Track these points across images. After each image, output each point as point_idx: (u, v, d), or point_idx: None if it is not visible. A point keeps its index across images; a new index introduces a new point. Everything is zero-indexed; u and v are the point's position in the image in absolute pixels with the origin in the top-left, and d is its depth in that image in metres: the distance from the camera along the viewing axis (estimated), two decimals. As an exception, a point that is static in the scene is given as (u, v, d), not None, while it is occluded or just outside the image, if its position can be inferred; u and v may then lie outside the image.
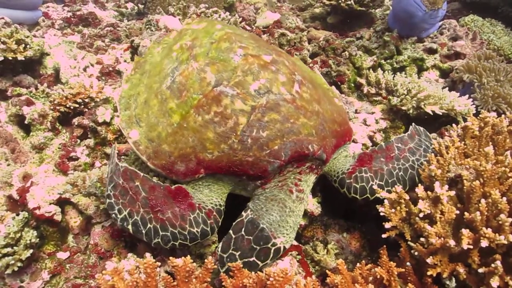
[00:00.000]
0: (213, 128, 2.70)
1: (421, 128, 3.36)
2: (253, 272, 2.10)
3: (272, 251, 2.63)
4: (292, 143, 2.69)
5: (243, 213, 2.80)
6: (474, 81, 4.13)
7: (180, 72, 2.99)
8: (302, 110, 2.79)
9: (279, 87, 2.78)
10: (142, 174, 2.76)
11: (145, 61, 3.59)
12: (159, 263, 2.16)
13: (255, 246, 2.61)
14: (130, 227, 2.60)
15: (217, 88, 2.75)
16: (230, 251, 2.60)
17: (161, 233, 2.57)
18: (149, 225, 2.59)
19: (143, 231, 2.58)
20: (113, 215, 2.64)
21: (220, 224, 2.78)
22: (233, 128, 2.66)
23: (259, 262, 2.57)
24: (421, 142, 3.22)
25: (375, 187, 2.88)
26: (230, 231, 2.70)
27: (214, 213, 2.75)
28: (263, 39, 3.71)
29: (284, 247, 2.69)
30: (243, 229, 2.68)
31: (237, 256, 2.56)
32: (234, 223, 2.75)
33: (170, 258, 2.04)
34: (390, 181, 2.95)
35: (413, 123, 3.33)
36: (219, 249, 2.65)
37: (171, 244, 2.59)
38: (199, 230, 2.62)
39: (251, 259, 2.56)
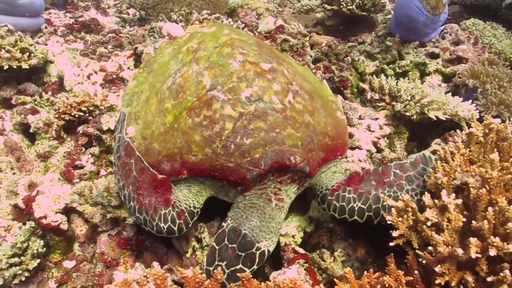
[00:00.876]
0: (200, 131, 2.75)
1: (432, 157, 2.99)
2: (262, 283, 2.10)
3: (257, 255, 2.65)
4: (274, 153, 2.68)
5: (223, 223, 2.83)
6: (478, 87, 4.14)
7: (181, 74, 3.06)
8: (290, 121, 2.78)
9: (271, 95, 2.78)
10: (137, 153, 2.88)
11: (154, 61, 3.68)
12: (168, 274, 2.18)
13: (240, 253, 2.63)
14: (122, 197, 2.90)
15: (210, 92, 2.80)
16: (216, 262, 2.62)
17: (137, 214, 2.76)
18: (132, 203, 2.80)
19: (127, 206, 2.86)
20: (116, 181, 2.95)
21: (190, 226, 2.81)
22: (219, 133, 2.70)
23: (245, 269, 2.58)
24: (425, 171, 2.89)
25: (356, 209, 2.79)
26: (213, 243, 2.74)
27: (186, 214, 2.78)
28: (269, 45, 3.70)
29: (268, 250, 2.72)
30: (225, 239, 2.71)
31: (223, 266, 2.58)
32: (215, 235, 2.79)
33: (179, 268, 2.05)
34: (374, 207, 2.76)
35: (422, 152, 3.05)
36: (204, 263, 2.68)
37: (143, 227, 2.77)
38: (165, 227, 2.69)
39: (238, 267, 2.58)
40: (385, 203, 2.70)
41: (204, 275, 2.07)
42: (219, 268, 2.56)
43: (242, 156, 2.67)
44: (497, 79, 4.12)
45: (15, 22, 5.59)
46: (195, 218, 2.84)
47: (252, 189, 2.85)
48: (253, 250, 2.66)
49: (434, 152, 3.63)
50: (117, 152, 2.99)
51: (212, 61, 2.96)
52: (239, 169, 2.69)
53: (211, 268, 2.60)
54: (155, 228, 2.69)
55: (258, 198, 2.85)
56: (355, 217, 2.80)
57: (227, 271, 2.56)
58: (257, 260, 2.64)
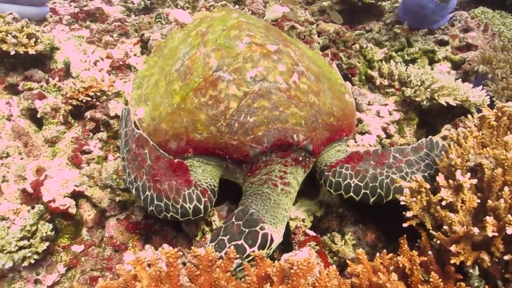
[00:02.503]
0: (205, 111, 2.78)
1: (439, 143, 3.00)
2: (276, 261, 2.08)
3: (260, 235, 2.63)
4: (277, 131, 2.71)
5: (234, 211, 2.86)
6: (488, 72, 4.10)
7: (189, 56, 3.09)
8: (294, 100, 2.79)
9: (276, 76, 2.79)
10: (152, 143, 2.86)
11: (165, 45, 3.72)
12: (181, 253, 2.16)
13: (243, 229, 2.64)
14: (133, 191, 2.79)
15: (216, 72, 2.82)
16: (220, 237, 2.62)
17: (155, 202, 2.69)
18: (147, 192, 2.72)
19: (142, 197, 2.74)
20: (124, 177, 2.88)
21: (213, 203, 2.84)
22: (223, 111, 2.73)
23: (246, 246, 2.56)
24: (428, 156, 2.93)
25: (352, 185, 2.81)
26: (222, 224, 2.78)
27: (209, 192, 2.80)
28: (278, 29, 3.69)
29: (271, 236, 2.69)
30: (233, 217, 2.75)
31: (226, 241, 2.58)
32: (224, 221, 2.82)
33: (192, 248, 2.03)
34: (370, 185, 2.79)
35: (429, 137, 3.07)
36: (208, 240, 2.71)
37: (163, 215, 2.69)
38: (191, 206, 2.68)
39: (239, 242, 2.57)
40: (396, 184, 2.68)
41: (217, 254, 2.05)
42: (221, 241, 2.57)
43: (246, 134, 2.70)
44: (508, 65, 4.08)
45: (21, 11, 5.57)
46: (216, 197, 2.87)
47: (258, 174, 2.86)
48: (257, 228, 2.66)
49: (444, 137, 3.61)
50: (125, 146, 2.93)
51: (219, 43, 2.98)
52: (242, 147, 2.72)
53: (213, 244, 2.60)
54: (180, 211, 2.66)
55: (263, 184, 2.87)
56: (351, 194, 2.82)
57: (228, 244, 2.55)
58: (259, 240, 2.62)
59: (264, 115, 2.70)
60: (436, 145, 2.97)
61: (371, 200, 2.80)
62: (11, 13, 5.11)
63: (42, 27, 6.07)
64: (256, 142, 2.70)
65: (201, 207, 2.71)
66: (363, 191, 2.80)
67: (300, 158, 2.88)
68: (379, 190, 2.78)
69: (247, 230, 2.63)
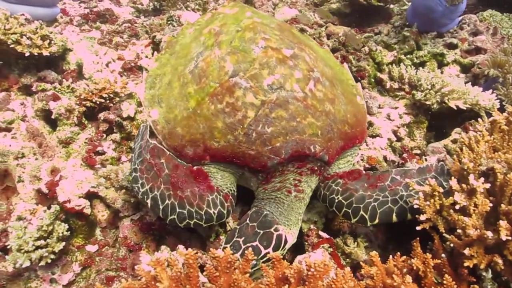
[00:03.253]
0: (222, 118, 2.78)
1: (448, 170, 2.86)
2: (293, 263, 2.12)
3: (274, 236, 2.68)
4: (294, 142, 2.71)
5: (248, 212, 2.92)
6: (499, 76, 4.12)
7: (203, 58, 3.07)
8: (311, 109, 2.79)
9: (293, 83, 2.79)
10: (168, 152, 2.88)
11: (176, 41, 3.69)
12: (200, 254, 2.21)
13: (258, 231, 2.69)
14: (149, 201, 2.74)
15: (233, 78, 2.81)
16: (235, 238, 2.67)
17: (178, 210, 2.69)
18: (167, 201, 2.71)
19: (161, 207, 2.72)
20: (136, 188, 2.81)
21: (234, 208, 2.91)
22: (241, 120, 2.73)
23: (261, 247, 2.61)
24: (435, 180, 2.66)
25: (336, 201, 2.85)
26: (235, 226, 2.83)
27: (230, 197, 2.87)
28: (290, 28, 3.67)
29: (285, 237, 2.74)
30: (247, 219, 2.80)
31: (241, 242, 2.62)
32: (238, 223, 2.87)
33: (211, 249, 2.07)
34: (354, 205, 2.81)
35: (441, 162, 2.95)
36: (223, 242, 2.75)
37: (186, 223, 2.70)
38: (215, 212, 2.73)
39: (254, 244, 2.61)
40: (409, 191, 2.75)
41: (237, 255, 2.09)
42: (236, 243, 2.62)
43: (263, 145, 2.70)
44: (518, 70, 4.11)
45: (32, 11, 5.61)
46: (236, 201, 2.94)
47: (272, 182, 2.89)
48: (272, 230, 2.71)
49: (454, 140, 3.64)
50: (138, 157, 2.92)
51: (234, 46, 2.97)
52: (260, 157, 2.73)
53: (228, 246, 2.64)
54: (204, 217, 2.70)
55: (277, 191, 2.90)
56: (334, 208, 2.88)
57: (243, 246, 2.60)
58: (273, 241, 2.66)
59: (282, 125, 2.70)
60: (447, 172, 2.86)
61: (353, 220, 2.82)
62: (23, 14, 5.18)
63: (52, 28, 6.14)
64: (274, 153, 2.71)
65: (225, 212, 2.76)
66: (344, 209, 2.83)
67: (316, 168, 2.91)
68: (361, 212, 2.78)
69: (261, 232, 2.68)
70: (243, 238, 2.65)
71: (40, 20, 4.54)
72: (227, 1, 3.80)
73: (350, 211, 2.81)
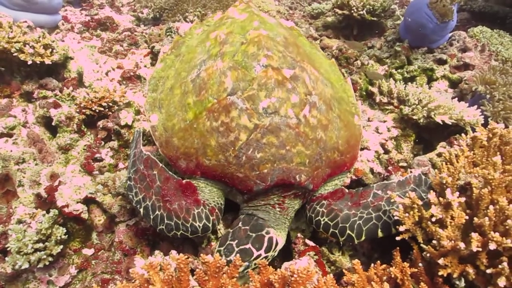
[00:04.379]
0: (216, 137, 2.86)
1: (427, 180, 3.04)
2: (278, 269, 2.26)
3: (266, 239, 2.81)
4: (281, 171, 2.77)
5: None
6: (486, 93, 4.27)
7: (206, 68, 3.12)
8: (302, 137, 2.84)
9: (288, 109, 2.82)
10: (161, 164, 3.01)
11: (183, 42, 3.73)
12: (191, 259, 2.34)
13: (250, 234, 2.81)
14: (141, 210, 2.91)
15: (230, 97, 2.86)
16: (228, 241, 2.78)
17: (166, 221, 2.84)
18: (157, 212, 2.86)
19: (151, 216, 2.88)
20: (130, 196, 2.97)
21: (220, 220, 3.06)
22: (233, 142, 2.81)
23: (253, 250, 2.73)
24: (414, 192, 2.86)
25: (322, 223, 2.94)
26: (228, 229, 2.95)
27: (217, 210, 2.98)
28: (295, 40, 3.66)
29: (276, 239, 2.87)
30: (240, 223, 2.93)
31: (234, 245, 2.74)
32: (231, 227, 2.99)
33: (201, 255, 2.21)
34: (340, 225, 2.89)
35: (419, 173, 3.12)
36: (217, 246, 2.85)
37: (173, 233, 2.85)
38: (200, 225, 2.85)
39: (247, 246, 2.74)
40: (391, 204, 2.89)
41: (224, 260, 2.22)
42: (230, 246, 2.74)
43: (252, 169, 2.79)
44: (505, 88, 4.24)
45: (34, 18, 5.74)
46: (222, 214, 3.07)
47: (256, 200, 3.00)
48: (263, 232, 2.84)
49: (439, 154, 3.78)
50: (133, 167, 3.06)
51: (236, 61, 2.99)
52: (248, 181, 2.82)
53: (222, 248, 2.75)
54: (190, 229, 2.83)
55: (261, 206, 3.02)
56: (321, 229, 2.97)
57: (236, 249, 2.72)
58: (265, 243, 2.79)
59: (271, 152, 2.75)
60: (425, 182, 3.03)
61: (341, 239, 2.92)
62: (25, 21, 5.32)
63: (54, 35, 6.29)
64: (261, 179, 2.79)
65: (210, 225, 2.88)
66: (331, 230, 2.92)
67: (300, 193, 3.02)
68: (348, 232, 2.87)
69: (254, 235, 2.81)
70: (236, 241, 2.77)
71: (43, 27, 4.67)
72: (239, 0, 3.78)
73: (337, 231, 2.89)
